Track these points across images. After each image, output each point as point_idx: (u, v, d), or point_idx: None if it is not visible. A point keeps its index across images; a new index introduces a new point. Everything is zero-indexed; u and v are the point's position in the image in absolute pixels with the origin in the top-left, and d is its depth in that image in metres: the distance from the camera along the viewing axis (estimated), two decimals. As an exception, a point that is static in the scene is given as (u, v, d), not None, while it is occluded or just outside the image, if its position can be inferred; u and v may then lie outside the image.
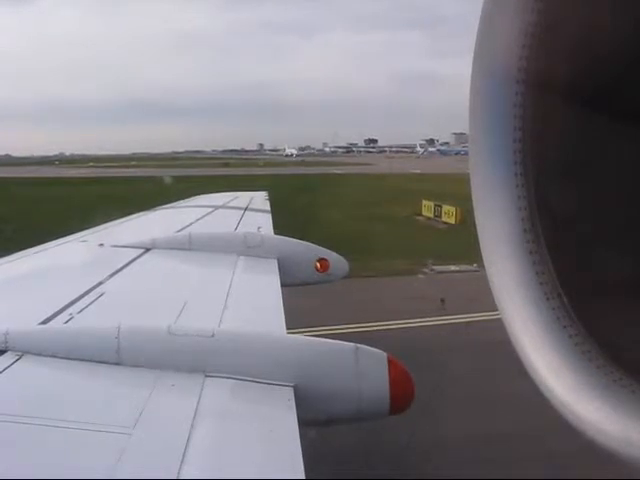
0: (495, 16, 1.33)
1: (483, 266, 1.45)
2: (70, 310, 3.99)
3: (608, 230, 1.35)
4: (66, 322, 3.76)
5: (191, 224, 8.85)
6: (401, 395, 3.50)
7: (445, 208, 32.18)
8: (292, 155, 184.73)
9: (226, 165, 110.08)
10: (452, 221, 30.63)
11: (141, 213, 10.83)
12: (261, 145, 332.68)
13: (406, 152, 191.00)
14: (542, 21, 1.27)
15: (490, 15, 1.34)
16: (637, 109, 1.26)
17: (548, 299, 1.31)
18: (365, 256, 19.71)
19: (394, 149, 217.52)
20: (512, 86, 1.34)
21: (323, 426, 3.63)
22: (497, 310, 1.40)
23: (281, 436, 2.60)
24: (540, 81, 1.32)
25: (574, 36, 1.27)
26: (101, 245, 6.94)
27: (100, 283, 4.86)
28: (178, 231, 7.94)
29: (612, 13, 1.21)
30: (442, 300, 15.49)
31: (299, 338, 3.86)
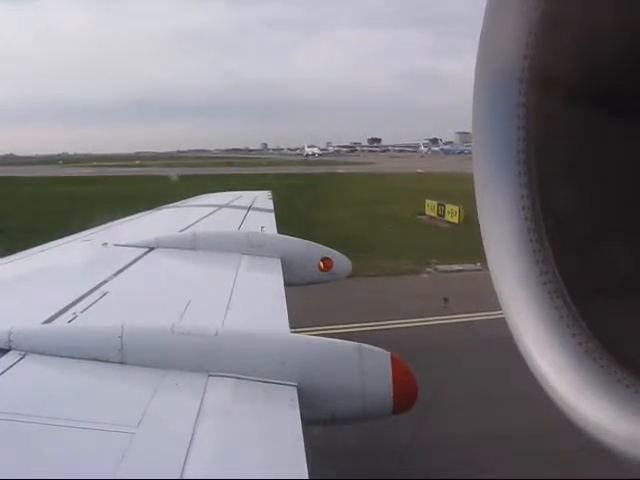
0: (499, 15, 1.33)
1: (487, 265, 1.45)
2: (73, 309, 4.00)
3: (612, 230, 1.34)
4: (70, 321, 3.76)
5: (195, 223, 8.86)
6: (404, 394, 3.49)
7: (448, 207, 32.11)
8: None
9: (230, 164, 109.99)
10: (455, 220, 30.55)
11: (144, 212, 10.85)
12: (265, 144, 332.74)
13: (410, 151, 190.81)
14: (545, 20, 1.27)
15: (494, 14, 1.34)
16: None
17: (552, 298, 1.31)
18: (368, 255, 19.71)
19: (397, 148, 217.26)
20: (515, 85, 1.34)
21: (326, 425, 3.63)
22: (500, 309, 1.39)
23: (284, 436, 2.60)
24: (543, 80, 1.31)
25: (577, 35, 1.26)
26: (105, 244, 6.95)
27: (104, 282, 4.86)
28: (182, 230, 7.95)
29: (615, 12, 1.21)
30: (445, 299, 15.47)
31: (302, 337, 3.86)
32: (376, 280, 18.60)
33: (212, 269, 6.49)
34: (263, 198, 13.11)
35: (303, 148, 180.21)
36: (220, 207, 11.16)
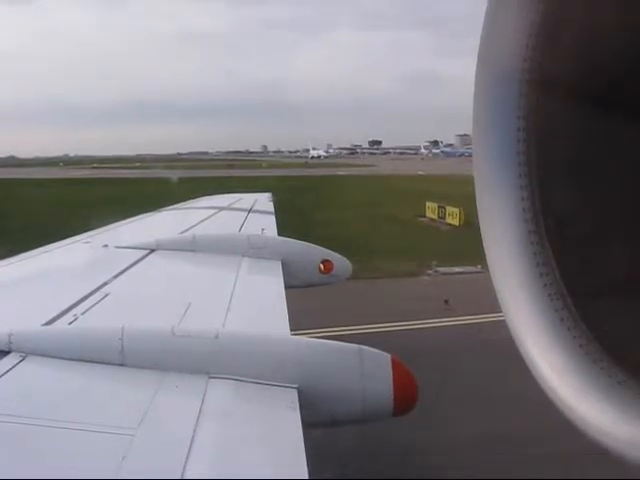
0: (499, 17, 1.33)
1: (487, 267, 1.45)
2: (74, 311, 4.00)
3: (612, 231, 1.34)
4: (70, 323, 3.76)
5: (195, 225, 8.86)
6: (405, 397, 3.49)
7: (449, 209, 32.11)
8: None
9: (230, 166, 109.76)
10: (456, 222, 30.55)
11: (145, 214, 10.85)
12: (265, 147, 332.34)
13: (410, 153, 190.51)
14: (546, 22, 1.27)
15: (494, 15, 1.34)
16: None
17: (552, 300, 1.31)
18: (369, 257, 19.71)
19: (398, 150, 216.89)
20: (516, 86, 1.34)
21: (326, 427, 3.62)
22: (501, 311, 1.39)
23: (285, 438, 2.59)
24: (544, 81, 1.31)
25: (578, 36, 1.26)
26: (105, 246, 6.95)
27: (104, 284, 4.87)
28: (182, 232, 7.95)
29: (615, 12, 1.21)
30: (446, 301, 15.48)
31: (302, 340, 3.86)
32: (376, 282, 18.59)
33: (212, 271, 6.49)
34: (263, 200, 13.12)
35: (307, 150, 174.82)
36: (220, 209, 11.16)
